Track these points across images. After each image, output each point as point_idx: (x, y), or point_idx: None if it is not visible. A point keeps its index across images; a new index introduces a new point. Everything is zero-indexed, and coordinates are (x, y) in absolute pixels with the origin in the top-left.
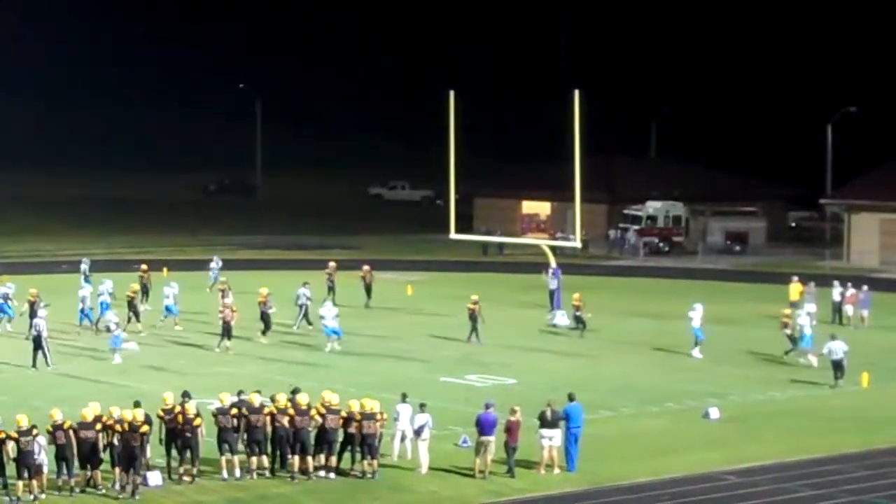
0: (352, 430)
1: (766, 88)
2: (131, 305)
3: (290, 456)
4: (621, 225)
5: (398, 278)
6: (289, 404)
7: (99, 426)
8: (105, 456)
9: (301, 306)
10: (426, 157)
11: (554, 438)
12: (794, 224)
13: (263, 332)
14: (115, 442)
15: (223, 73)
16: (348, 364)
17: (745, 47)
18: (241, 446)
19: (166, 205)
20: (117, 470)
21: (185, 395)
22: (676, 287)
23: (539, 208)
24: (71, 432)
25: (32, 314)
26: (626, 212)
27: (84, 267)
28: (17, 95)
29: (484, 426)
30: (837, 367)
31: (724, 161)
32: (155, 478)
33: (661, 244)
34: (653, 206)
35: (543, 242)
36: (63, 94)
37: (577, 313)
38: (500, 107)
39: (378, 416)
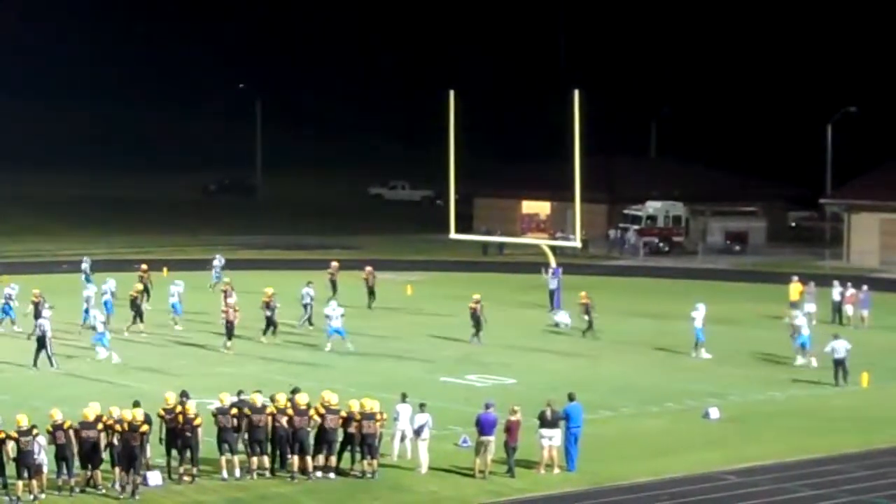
0: (352, 429)
1: (766, 88)
2: (134, 305)
3: (289, 456)
4: (621, 225)
5: (398, 278)
6: (288, 404)
7: (101, 426)
8: (105, 456)
9: (306, 306)
10: (426, 157)
11: (554, 438)
12: (794, 224)
13: (265, 332)
14: (115, 442)
15: (223, 73)
16: (348, 364)
17: (745, 47)
18: (241, 446)
19: (166, 205)
20: (117, 470)
21: (184, 394)
22: (676, 287)
23: (539, 208)
24: (72, 432)
25: (37, 314)
26: (626, 212)
27: (85, 266)
28: (17, 95)
29: (484, 426)
30: (840, 366)
31: (724, 161)
32: (155, 478)
33: (661, 244)
34: (653, 206)
35: (543, 242)
36: (63, 94)
37: (586, 315)
38: (500, 107)
39: (378, 416)
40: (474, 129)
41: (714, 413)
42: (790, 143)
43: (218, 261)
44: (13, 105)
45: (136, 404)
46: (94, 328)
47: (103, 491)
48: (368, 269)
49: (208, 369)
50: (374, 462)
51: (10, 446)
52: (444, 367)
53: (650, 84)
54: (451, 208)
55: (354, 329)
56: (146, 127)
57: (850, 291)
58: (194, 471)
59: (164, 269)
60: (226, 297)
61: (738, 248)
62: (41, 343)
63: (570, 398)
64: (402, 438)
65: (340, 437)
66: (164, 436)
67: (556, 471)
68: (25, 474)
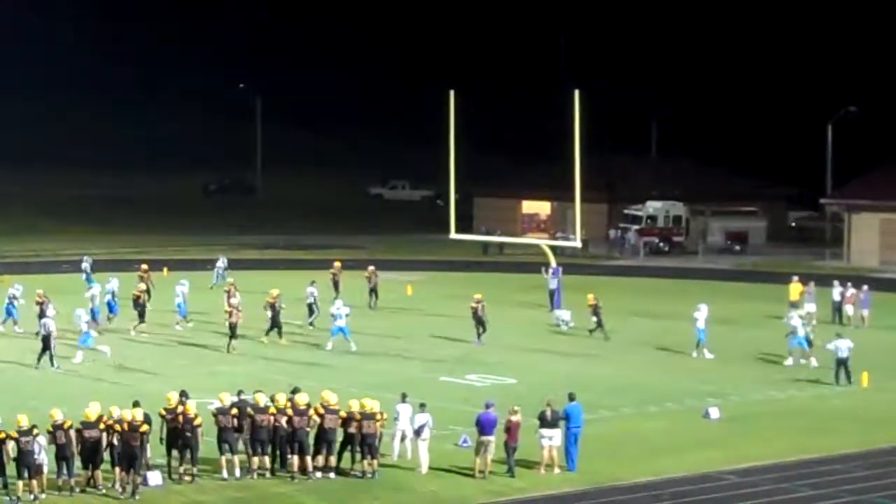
0: (352, 429)
1: (767, 88)
2: (137, 304)
3: (289, 456)
4: (621, 225)
5: (398, 278)
6: (288, 404)
7: (103, 426)
8: (105, 456)
9: (310, 306)
10: (426, 157)
11: (554, 438)
12: (794, 224)
13: (267, 332)
14: (115, 442)
15: (223, 73)
16: (348, 364)
17: (746, 47)
18: (241, 446)
19: (166, 205)
20: (117, 470)
21: (183, 394)
22: (676, 287)
23: (539, 208)
24: (72, 432)
25: (41, 314)
26: (626, 212)
27: (85, 266)
28: (17, 95)
29: (484, 426)
30: (842, 365)
31: (725, 161)
32: (155, 478)
33: (661, 244)
34: (653, 206)
35: (543, 242)
36: (63, 94)
37: (595, 317)
38: (500, 107)
39: (378, 416)
40: (474, 129)
41: (714, 413)
42: (790, 143)
43: (221, 262)
44: (13, 105)
45: (136, 404)
46: (86, 324)
47: (103, 491)
48: (371, 268)
49: (208, 369)
50: (375, 462)
51: (11, 446)
52: (444, 367)
53: (650, 84)
54: (451, 208)
55: (355, 329)
56: (146, 127)
57: (851, 291)
58: (194, 471)
59: (165, 269)
60: (228, 297)
61: (738, 248)
62: (46, 343)
63: (570, 398)
64: (403, 438)
65: (340, 437)
66: (164, 435)
67: (557, 471)
68: (26, 474)
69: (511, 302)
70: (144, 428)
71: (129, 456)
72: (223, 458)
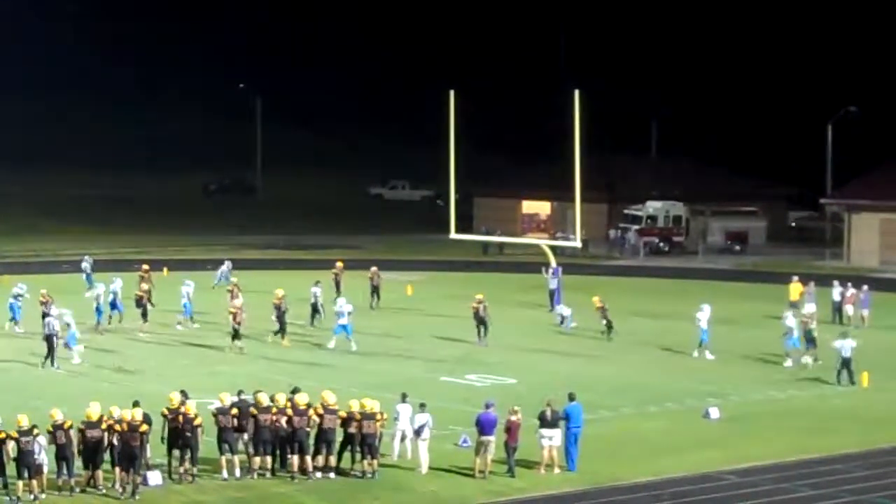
0: (352, 429)
1: (767, 88)
2: (140, 304)
3: (289, 456)
4: (621, 225)
5: (398, 278)
6: (288, 404)
7: (104, 425)
8: (105, 456)
9: (313, 306)
10: (426, 157)
11: (554, 438)
12: (794, 224)
13: (276, 333)
14: (115, 442)
15: (223, 73)
16: (349, 364)
17: (746, 47)
18: (241, 446)
19: (166, 205)
20: (117, 470)
21: (183, 394)
22: (676, 287)
23: (539, 208)
24: (72, 432)
25: (45, 314)
26: (626, 212)
27: (85, 265)
28: (17, 95)
29: (484, 426)
30: (846, 364)
31: (725, 161)
32: (155, 477)
33: (661, 244)
34: (653, 206)
35: (543, 242)
36: (63, 94)
37: (604, 319)
38: (500, 107)
39: (378, 416)
40: (474, 129)
41: (714, 413)
42: (790, 143)
43: (226, 266)
44: (13, 105)
45: (136, 404)
46: (67, 325)
47: (104, 491)
48: (374, 269)
49: (209, 369)
50: (375, 462)
51: (11, 446)
52: (444, 367)
53: (650, 84)
54: (451, 208)
55: (355, 329)
56: (146, 127)
57: (851, 291)
58: (194, 471)
59: (165, 269)
60: (232, 298)
61: (738, 248)
62: (50, 342)
63: (570, 398)
64: (403, 438)
65: (340, 438)
66: (166, 435)
67: (557, 471)
68: (26, 474)
69: (511, 302)
70: (144, 428)
71: (129, 456)
72: (223, 458)
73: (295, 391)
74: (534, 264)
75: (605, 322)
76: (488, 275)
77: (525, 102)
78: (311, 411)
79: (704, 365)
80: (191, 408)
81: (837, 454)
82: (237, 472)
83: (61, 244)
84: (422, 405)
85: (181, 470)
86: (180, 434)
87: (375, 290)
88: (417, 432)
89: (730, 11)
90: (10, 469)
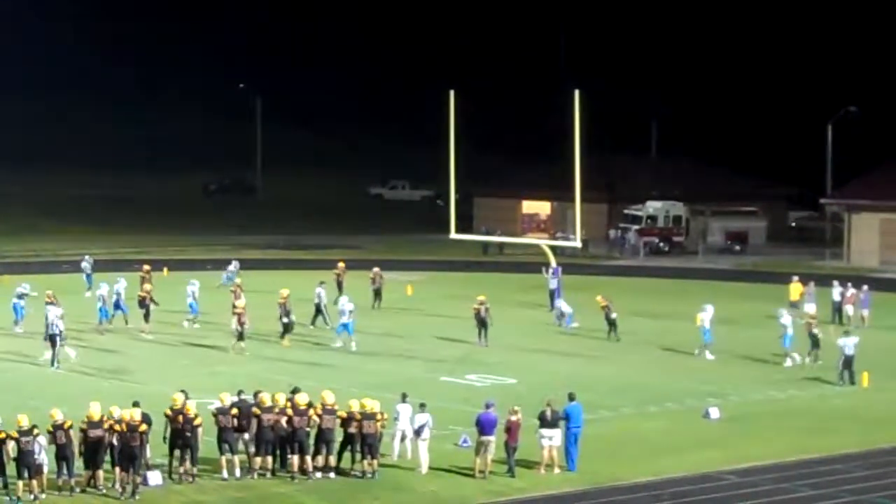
0: (352, 429)
1: (767, 88)
2: (143, 305)
3: (289, 456)
4: (621, 225)
5: (398, 278)
6: (288, 404)
7: (106, 425)
8: (105, 455)
9: (317, 306)
10: (426, 157)
11: (554, 438)
12: (794, 224)
13: (282, 335)
14: (115, 442)
15: (223, 73)
16: (349, 364)
17: (746, 47)
18: (241, 446)
19: (166, 205)
20: (117, 470)
21: (183, 394)
22: (676, 287)
23: (539, 208)
24: (71, 432)
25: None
26: (626, 212)
27: (85, 265)
28: (17, 95)
29: (484, 426)
30: (849, 363)
31: (725, 161)
32: (155, 477)
33: (661, 244)
34: (653, 206)
35: (543, 242)
36: (63, 94)
37: (612, 316)
38: (500, 107)
39: (378, 416)
40: (474, 129)
41: (714, 413)
42: (790, 143)
43: (233, 266)
44: (13, 105)
45: (136, 404)
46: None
47: (104, 491)
48: (376, 269)
49: (209, 369)
50: (375, 462)
51: (11, 446)
52: (444, 367)
53: (650, 84)
54: (452, 208)
55: (356, 329)
56: (146, 127)
57: (851, 291)
58: (194, 471)
59: (165, 269)
60: (235, 298)
61: (738, 248)
62: (53, 342)
63: (570, 398)
64: (403, 438)
65: (340, 438)
66: (168, 435)
67: (557, 471)
68: (26, 474)
69: (511, 302)
70: (143, 428)
71: (129, 456)
72: (223, 458)
73: (295, 391)
74: (534, 264)
75: (608, 322)
76: (488, 275)
77: (525, 102)
78: (311, 411)
79: (704, 365)
80: (190, 408)
81: (837, 454)
82: (237, 472)
83: (61, 244)
84: (422, 405)
85: (181, 470)
86: (180, 434)
87: (377, 291)
88: (417, 432)
89: (730, 11)
90: (10, 469)
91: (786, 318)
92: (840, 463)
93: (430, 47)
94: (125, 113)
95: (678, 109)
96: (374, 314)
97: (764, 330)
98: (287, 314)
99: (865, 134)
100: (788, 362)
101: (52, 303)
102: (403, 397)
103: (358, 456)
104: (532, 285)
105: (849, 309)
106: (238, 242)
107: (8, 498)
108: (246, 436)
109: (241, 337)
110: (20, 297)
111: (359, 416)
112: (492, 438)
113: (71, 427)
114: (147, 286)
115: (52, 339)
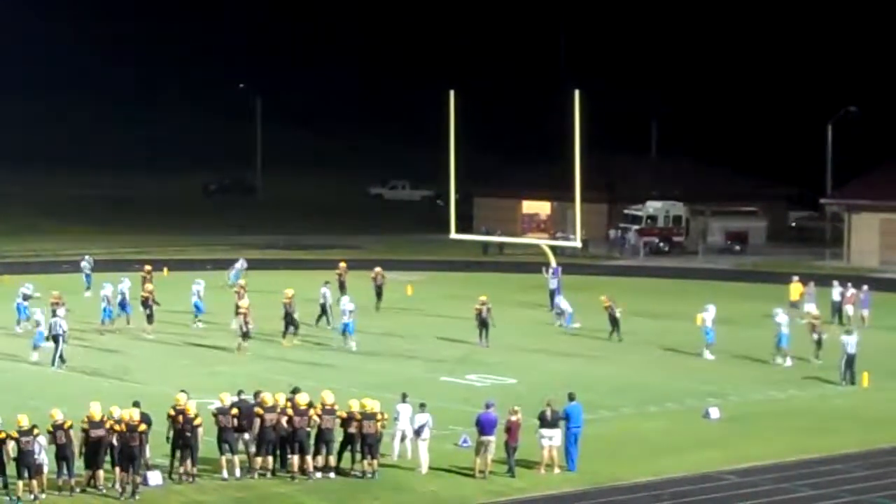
0: (352, 429)
1: (767, 88)
2: (146, 305)
3: (289, 456)
4: (621, 225)
5: (398, 278)
6: (288, 404)
7: (107, 425)
8: (105, 455)
9: (322, 306)
10: (426, 157)
11: (554, 438)
12: (794, 224)
13: (284, 335)
14: (115, 442)
15: (223, 73)
16: (349, 364)
17: (746, 47)
18: (241, 446)
19: (166, 205)
20: (117, 470)
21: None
22: (676, 287)
23: (539, 208)
24: (71, 432)
25: (53, 314)
26: (626, 212)
27: (85, 265)
28: (17, 95)
29: (484, 426)
30: (850, 362)
31: (725, 161)
32: (155, 477)
33: (661, 244)
34: (653, 206)
35: (543, 242)
36: (63, 94)
37: (616, 314)
38: (500, 107)
39: (378, 416)
40: (474, 128)
41: (714, 413)
42: (790, 143)
43: (241, 264)
44: (13, 105)
45: (136, 404)
46: (38, 324)
47: (104, 491)
48: (377, 269)
49: (209, 369)
50: (375, 462)
51: (11, 446)
52: (444, 367)
53: (650, 84)
54: (452, 208)
55: (357, 328)
56: (146, 127)
57: (851, 291)
58: (194, 471)
59: (165, 269)
60: (238, 298)
61: (738, 248)
62: (56, 341)
63: (570, 398)
64: (403, 438)
65: (340, 438)
66: (170, 435)
67: (557, 471)
68: (26, 474)
69: (511, 302)
70: (142, 428)
71: (129, 456)
72: (223, 458)
73: (295, 391)
74: (534, 264)
75: (612, 321)
76: (488, 275)
77: (525, 102)
78: (311, 411)
79: (704, 365)
80: (190, 408)
81: (837, 454)
82: (237, 472)
83: (61, 244)
84: (422, 405)
85: (181, 470)
86: (180, 434)
87: (379, 291)
88: (417, 432)
89: (730, 11)
90: (11, 469)
91: (781, 317)
92: (840, 463)
93: (430, 47)
94: (125, 113)
95: (678, 109)
96: (374, 314)
97: (764, 330)
98: (291, 314)
99: (865, 134)
100: (779, 360)
101: (57, 303)
102: (403, 397)
103: (358, 456)
104: (532, 285)
105: (849, 309)
106: (238, 242)
107: (8, 498)
108: (246, 436)
109: (245, 336)
110: (25, 298)
111: (359, 416)
112: (492, 438)
113: (71, 427)
114: (149, 286)
115: (55, 338)
